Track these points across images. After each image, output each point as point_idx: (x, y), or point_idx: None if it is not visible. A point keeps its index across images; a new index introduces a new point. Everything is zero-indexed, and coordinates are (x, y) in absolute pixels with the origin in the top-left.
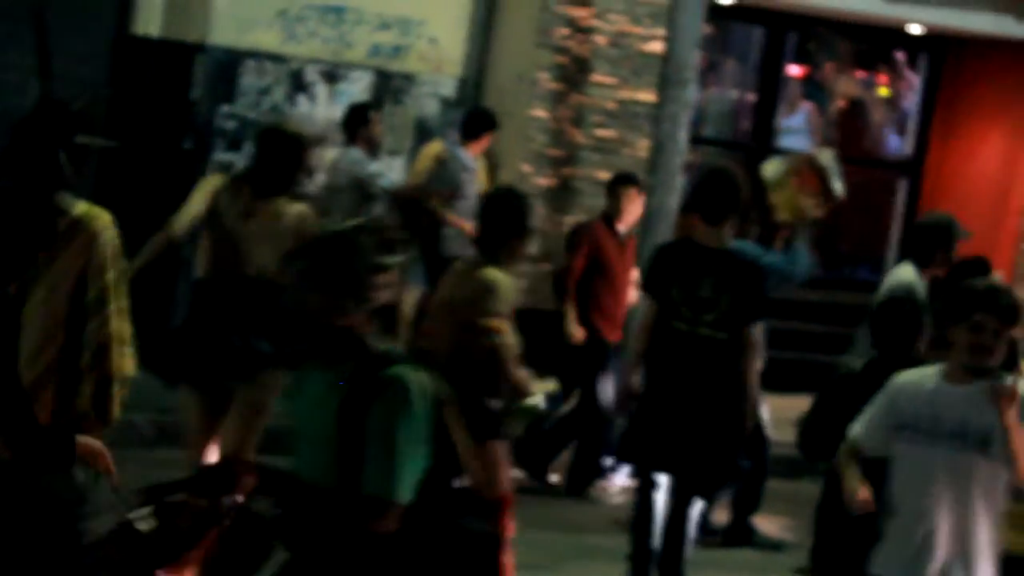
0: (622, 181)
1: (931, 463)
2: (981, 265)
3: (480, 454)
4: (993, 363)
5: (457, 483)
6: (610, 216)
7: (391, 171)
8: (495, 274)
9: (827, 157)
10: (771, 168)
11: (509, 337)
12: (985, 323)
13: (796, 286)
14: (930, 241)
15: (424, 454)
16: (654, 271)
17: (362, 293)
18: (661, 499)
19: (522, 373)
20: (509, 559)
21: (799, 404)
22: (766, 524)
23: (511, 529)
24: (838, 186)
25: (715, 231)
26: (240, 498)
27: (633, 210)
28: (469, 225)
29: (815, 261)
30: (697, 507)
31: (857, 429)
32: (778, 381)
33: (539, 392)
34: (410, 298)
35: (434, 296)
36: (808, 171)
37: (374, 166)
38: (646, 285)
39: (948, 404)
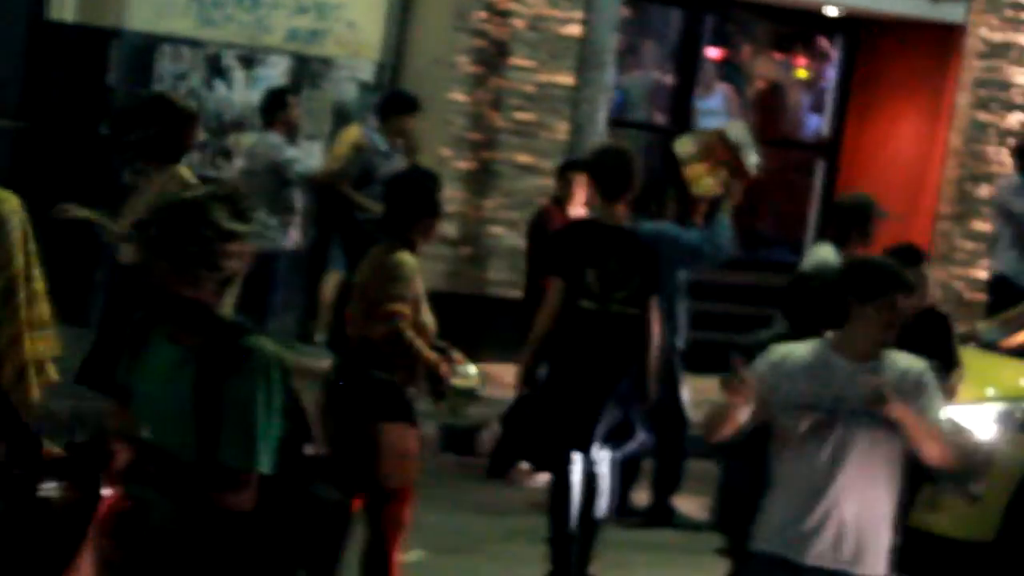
0: (572, 166)
1: (833, 440)
2: (913, 252)
3: (380, 438)
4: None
5: (308, 451)
6: (561, 200)
7: (309, 156)
8: (401, 257)
9: (738, 131)
10: (683, 145)
11: (415, 319)
12: (901, 303)
13: (719, 262)
14: (848, 221)
15: (280, 424)
16: (561, 252)
17: (212, 261)
18: (577, 478)
19: (431, 355)
20: (398, 556)
21: (711, 385)
22: (687, 504)
23: (407, 518)
24: (752, 159)
25: (612, 209)
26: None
27: (582, 194)
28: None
29: (735, 237)
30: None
31: None
32: (699, 362)
33: (471, 374)
34: (331, 282)
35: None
36: (720, 146)
37: (292, 151)
38: (554, 266)
39: (850, 381)
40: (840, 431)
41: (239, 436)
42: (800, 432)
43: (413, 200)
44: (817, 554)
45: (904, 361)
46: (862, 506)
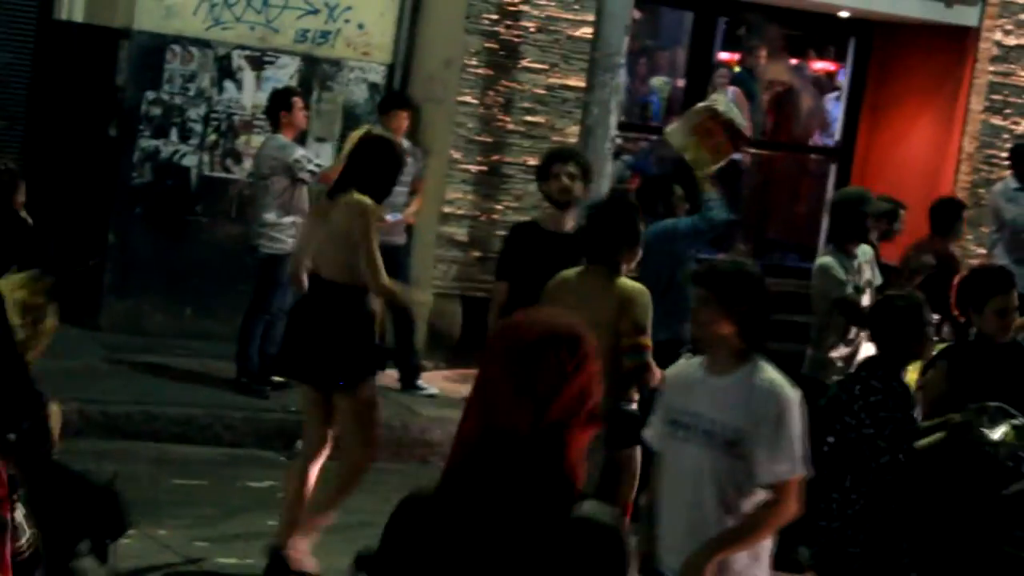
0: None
1: (682, 459)
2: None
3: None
4: None
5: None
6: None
7: (319, 158)
8: (631, 286)
9: (723, 102)
10: (674, 135)
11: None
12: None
13: (721, 230)
14: (840, 217)
15: None
16: (507, 256)
17: None
18: None
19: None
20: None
21: None
22: None
23: None
24: (743, 123)
25: (562, 215)
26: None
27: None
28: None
29: (727, 204)
30: None
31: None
32: None
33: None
34: None
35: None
36: (714, 124)
37: (300, 151)
38: (500, 271)
39: (706, 399)
40: (692, 448)
41: None
42: (667, 447)
43: (616, 228)
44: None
45: (765, 379)
46: (695, 524)
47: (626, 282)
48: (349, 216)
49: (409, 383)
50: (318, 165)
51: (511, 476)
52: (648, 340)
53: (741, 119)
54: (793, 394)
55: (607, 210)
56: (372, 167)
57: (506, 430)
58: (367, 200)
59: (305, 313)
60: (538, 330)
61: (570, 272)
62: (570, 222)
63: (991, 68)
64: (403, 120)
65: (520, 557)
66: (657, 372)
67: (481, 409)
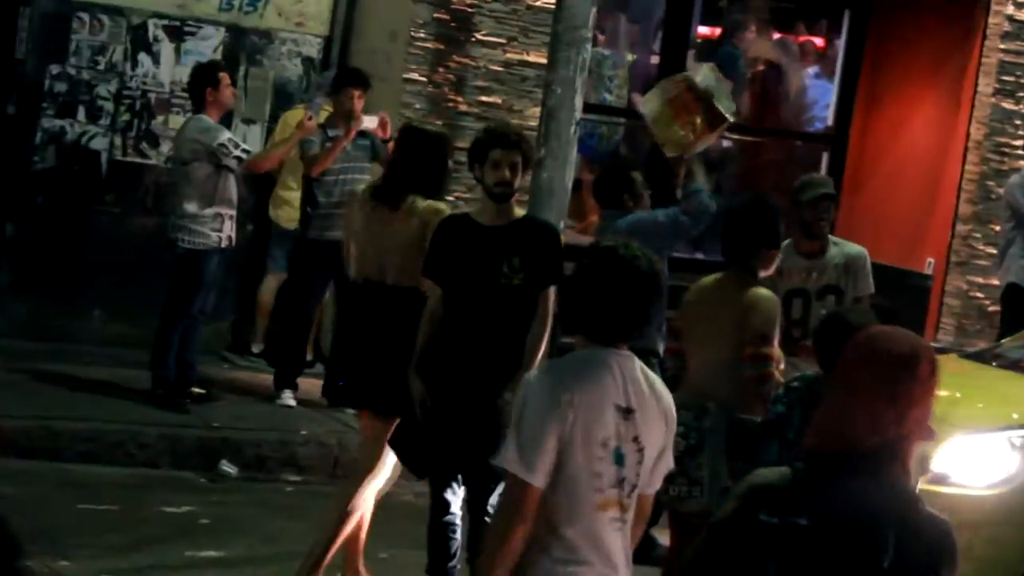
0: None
1: None
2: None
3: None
4: None
5: None
6: None
7: (247, 142)
8: (758, 292)
9: (706, 75)
10: (648, 103)
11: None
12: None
13: (706, 223)
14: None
15: None
16: (437, 253)
17: None
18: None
19: None
20: None
21: None
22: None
23: None
24: (726, 103)
25: (503, 206)
26: None
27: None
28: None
29: (711, 193)
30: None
31: None
32: None
33: None
34: (270, 285)
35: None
36: (688, 96)
37: (227, 135)
38: (428, 269)
39: None
40: None
41: None
42: None
43: (755, 230)
44: None
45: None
46: None
47: (754, 289)
48: (423, 223)
49: None
50: (246, 151)
51: (872, 481)
52: (771, 350)
53: (723, 100)
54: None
55: (746, 211)
56: (426, 165)
57: (863, 439)
58: (441, 206)
59: (369, 324)
60: (907, 343)
61: (707, 279)
62: (508, 214)
63: (1002, 46)
64: (358, 101)
65: (893, 554)
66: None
67: (835, 420)
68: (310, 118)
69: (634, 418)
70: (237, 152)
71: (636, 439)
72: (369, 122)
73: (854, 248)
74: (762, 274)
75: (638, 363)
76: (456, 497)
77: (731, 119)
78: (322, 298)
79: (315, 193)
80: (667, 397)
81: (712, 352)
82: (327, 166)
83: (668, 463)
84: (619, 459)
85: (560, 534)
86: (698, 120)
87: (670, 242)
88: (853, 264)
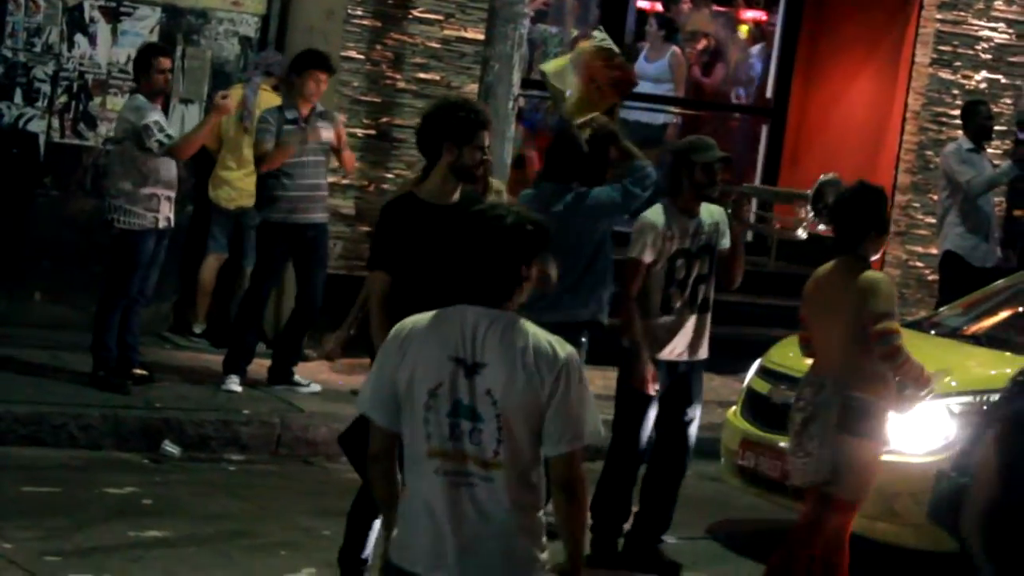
0: None
1: None
2: None
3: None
4: None
5: None
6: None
7: (187, 121)
8: (873, 275)
9: (602, 38)
10: (558, 75)
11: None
12: None
13: (648, 194)
14: (674, 165)
15: None
16: (385, 240)
17: None
18: None
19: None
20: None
21: None
22: None
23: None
24: (622, 60)
25: (455, 185)
26: None
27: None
28: None
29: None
30: None
31: None
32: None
33: None
34: (211, 266)
35: None
36: (592, 60)
37: (154, 115)
38: (377, 259)
39: None
40: None
41: None
42: None
43: (864, 216)
44: None
45: None
46: None
47: (867, 272)
48: None
49: (285, 376)
50: (168, 136)
51: None
52: (894, 324)
53: (620, 56)
54: None
55: (855, 198)
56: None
57: None
58: None
59: None
60: None
61: (822, 268)
62: (457, 191)
63: (939, 16)
64: (323, 85)
65: None
66: (909, 356)
67: None
68: (224, 97)
69: (483, 372)
70: (160, 136)
71: (489, 392)
72: (325, 132)
73: (715, 206)
74: (872, 258)
75: (511, 323)
76: None
77: (631, 72)
78: (280, 282)
79: (280, 177)
80: (547, 357)
81: (830, 335)
82: (275, 167)
83: (569, 425)
84: (461, 411)
85: (405, 480)
86: (605, 87)
87: (614, 216)
88: (722, 223)
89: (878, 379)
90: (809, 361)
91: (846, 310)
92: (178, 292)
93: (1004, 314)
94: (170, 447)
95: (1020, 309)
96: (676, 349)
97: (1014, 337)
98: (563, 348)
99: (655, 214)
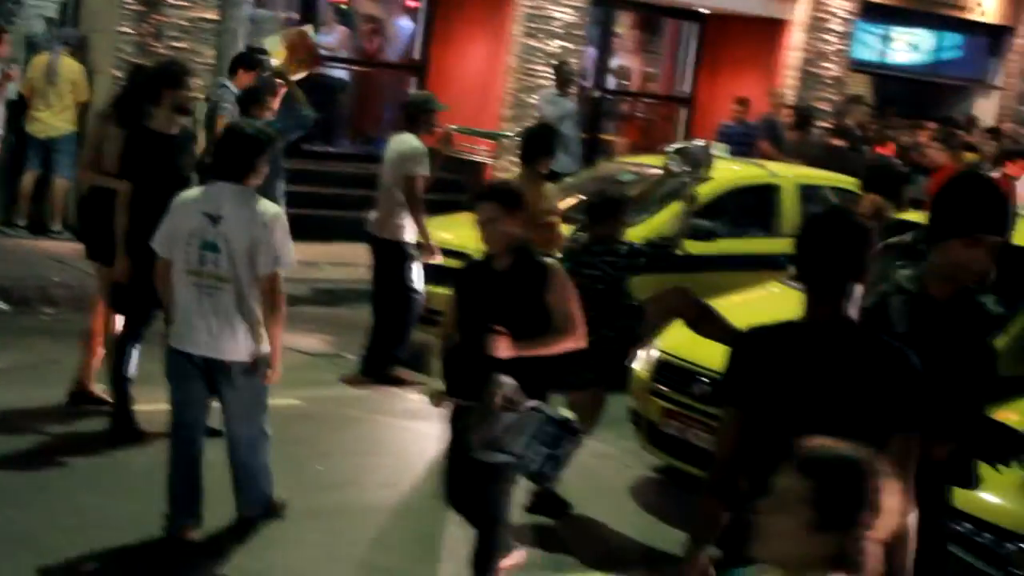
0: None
1: None
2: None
3: None
4: None
5: None
6: None
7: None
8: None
9: (312, 32)
10: (272, 43)
11: None
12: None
13: (308, 127)
14: (415, 111)
15: None
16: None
17: None
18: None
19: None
20: None
21: (334, 250)
22: (313, 342)
23: None
24: (318, 52)
25: (174, 120)
26: None
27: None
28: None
29: (306, 109)
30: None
31: None
32: (323, 233)
33: None
34: (28, 179)
35: None
36: (300, 44)
37: None
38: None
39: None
40: None
41: None
42: None
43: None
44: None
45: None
46: None
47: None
48: None
49: None
50: None
51: None
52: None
53: (319, 49)
54: None
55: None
56: None
57: None
58: None
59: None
60: None
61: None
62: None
63: (527, 1)
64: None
65: None
66: None
67: None
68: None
69: (222, 223)
70: None
71: (225, 236)
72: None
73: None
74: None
75: (245, 195)
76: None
77: (320, 59)
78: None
79: None
80: (265, 219)
81: None
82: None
83: (273, 255)
84: (208, 247)
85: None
86: (304, 58)
87: (287, 139)
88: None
89: None
90: None
91: None
92: (6, 199)
93: None
94: (1, 304)
95: None
96: None
97: None
98: (271, 208)
99: (413, 141)
